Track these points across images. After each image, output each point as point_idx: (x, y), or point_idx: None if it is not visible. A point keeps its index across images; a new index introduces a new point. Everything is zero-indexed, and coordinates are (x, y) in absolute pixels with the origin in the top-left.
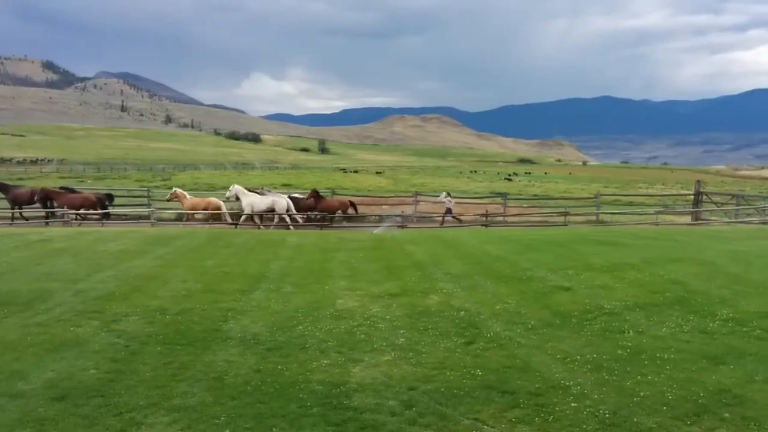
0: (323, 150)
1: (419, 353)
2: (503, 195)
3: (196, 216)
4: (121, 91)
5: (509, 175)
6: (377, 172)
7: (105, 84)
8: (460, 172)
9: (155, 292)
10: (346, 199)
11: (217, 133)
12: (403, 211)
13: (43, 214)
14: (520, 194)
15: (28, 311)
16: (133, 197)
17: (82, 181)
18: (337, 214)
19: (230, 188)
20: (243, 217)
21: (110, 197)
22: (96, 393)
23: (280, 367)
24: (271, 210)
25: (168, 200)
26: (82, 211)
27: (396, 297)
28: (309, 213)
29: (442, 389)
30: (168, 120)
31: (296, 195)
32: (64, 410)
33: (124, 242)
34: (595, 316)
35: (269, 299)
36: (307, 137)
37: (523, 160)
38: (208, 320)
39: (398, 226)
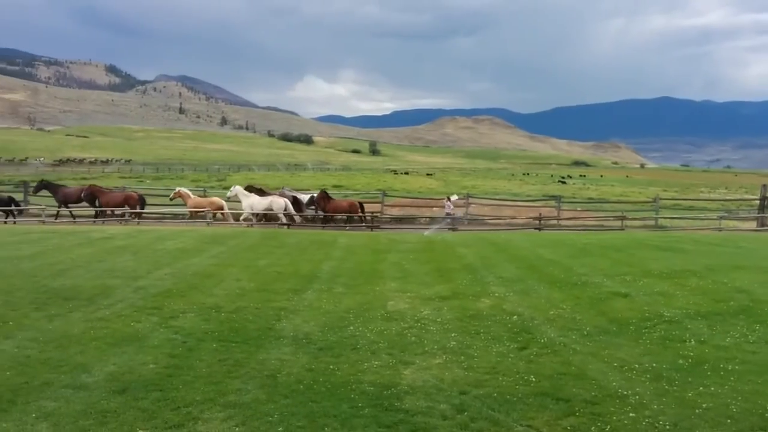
0: (374, 151)
1: (471, 357)
2: (557, 198)
3: (200, 215)
4: (180, 93)
5: (563, 177)
6: (428, 174)
7: (164, 87)
8: (512, 174)
9: (211, 290)
10: (355, 200)
11: (270, 134)
12: (454, 213)
13: (91, 212)
14: (575, 197)
15: (91, 306)
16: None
17: (141, 181)
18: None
19: (231, 188)
20: (243, 216)
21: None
22: (155, 387)
23: (331, 366)
24: (270, 210)
25: (171, 199)
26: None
27: (447, 300)
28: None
29: (495, 394)
30: (223, 122)
31: (300, 195)
32: (125, 403)
33: (182, 241)
34: (654, 324)
35: (321, 299)
36: (358, 139)
37: (577, 163)
38: (262, 319)
39: (449, 229)
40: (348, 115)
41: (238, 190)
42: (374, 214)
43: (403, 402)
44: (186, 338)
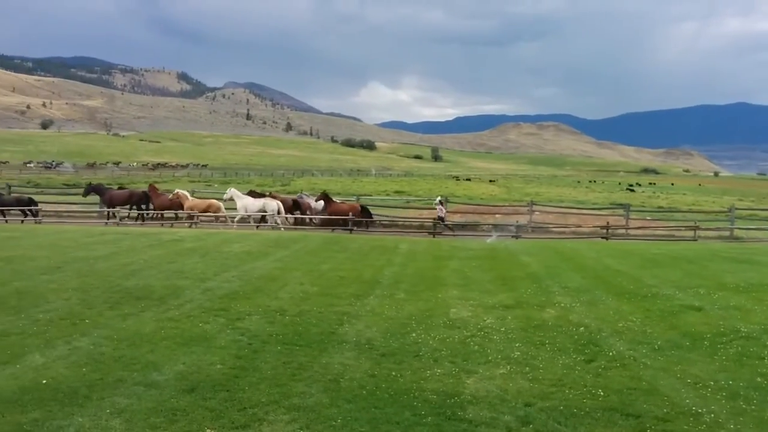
0: (436, 157)
1: (536, 368)
2: (625, 206)
3: (200, 217)
4: (247, 100)
5: (631, 185)
6: (490, 181)
7: (232, 94)
8: (578, 182)
9: (275, 293)
10: (357, 204)
11: (333, 140)
12: (517, 221)
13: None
14: (644, 206)
15: (162, 306)
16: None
17: (210, 185)
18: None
19: (227, 191)
20: (237, 218)
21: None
22: (222, 387)
23: (394, 373)
24: (263, 211)
25: (170, 200)
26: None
27: (510, 309)
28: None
29: (561, 407)
30: (288, 128)
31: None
32: (194, 402)
33: (248, 244)
34: (730, 339)
35: (383, 305)
36: (420, 145)
37: (646, 170)
38: (325, 323)
39: (512, 236)
40: (410, 121)
41: (233, 192)
42: (436, 221)
43: (466, 412)
44: (251, 340)
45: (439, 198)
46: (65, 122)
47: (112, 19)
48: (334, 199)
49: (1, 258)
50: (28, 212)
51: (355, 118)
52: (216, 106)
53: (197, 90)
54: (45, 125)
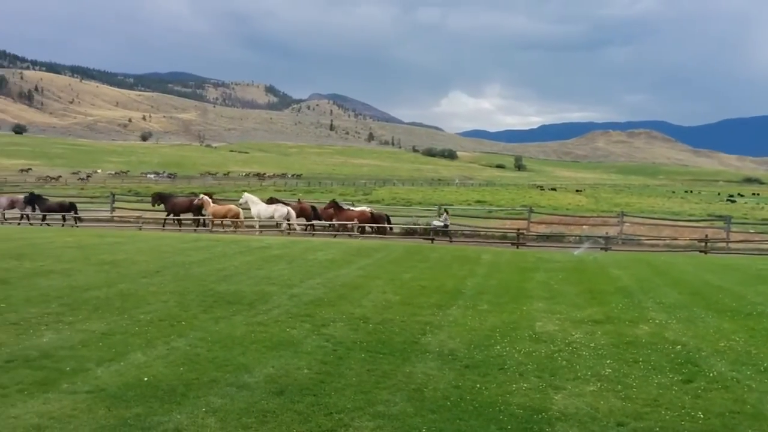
0: (519, 167)
1: (628, 387)
2: (725, 218)
3: (224, 222)
4: (331, 111)
5: (732, 195)
6: (577, 190)
7: (317, 105)
8: (672, 192)
9: (359, 301)
10: (367, 211)
11: (414, 150)
12: (606, 233)
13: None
14: (746, 218)
15: (252, 311)
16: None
17: (294, 194)
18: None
19: (242, 195)
20: (250, 222)
21: None
22: (309, 392)
23: (478, 385)
24: (272, 218)
25: (196, 203)
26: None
27: (600, 324)
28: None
29: (656, 429)
30: (370, 138)
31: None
32: (282, 405)
33: (331, 252)
34: None
35: (465, 316)
36: (503, 153)
37: (749, 180)
38: (407, 332)
39: (601, 248)
40: (493, 129)
41: (248, 197)
42: (520, 231)
43: (554, 428)
44: (336, 346)
45: (444, 208)
46: (162, 134)
47: (205, 37)
48: (343, 207)
49: (108, 262)
50: (69, 217)
51: (436, 128)
52: (301, 118)
53: (283, 102)
54: (144, 137)
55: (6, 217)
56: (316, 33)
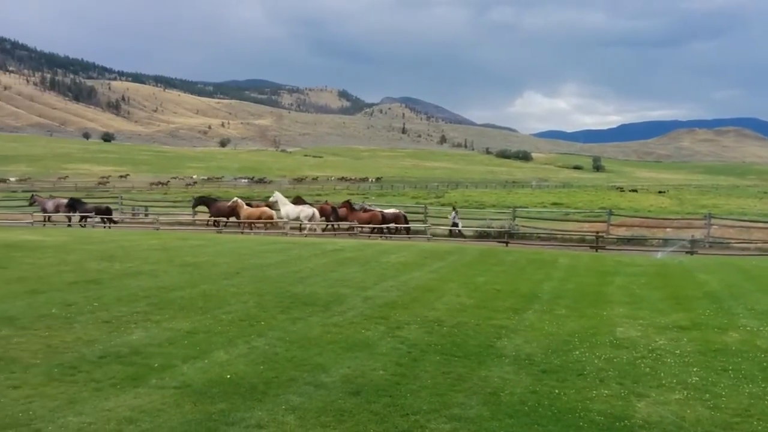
0: (597, 167)
1: (717, 396)
2: None
3: (256, 224)
4: (402, 114)
5: None
6: (659, 192)
7: (389, 109)
8: (765, 192)
9: (432, 303)
10: (378, 212)
11: (488, 152)
12: (692, 235)
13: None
14: None
15: (327, 312)
16: (410, 213)
17: (366, 197)
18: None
19: (273, 194)
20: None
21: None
22: (385, 392)
23: (556, 391)
24: (298, 218)
25: (229, 207)
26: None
27: (686, 330)
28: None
29: None
30: (443, 140)
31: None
32: (359, 405)
33: (404, 255)
34: None
35: (542, 320)
36: (580, 154)
37: None
38: (482, 336)
39: (686, 252)
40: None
41: (278, 197)
42: (599, 234)
43: None
44: (411, 349)
45: (453, 207)
46: (240, 140)
47: (281, 44)
48: (355, 208)
49: (191, 263)
50: (105, 219)
51: (510, 129)
52: (373, 121)
53: (356, 106)
54: (223, 143)
55: (51, 219)
56: (388, 37)
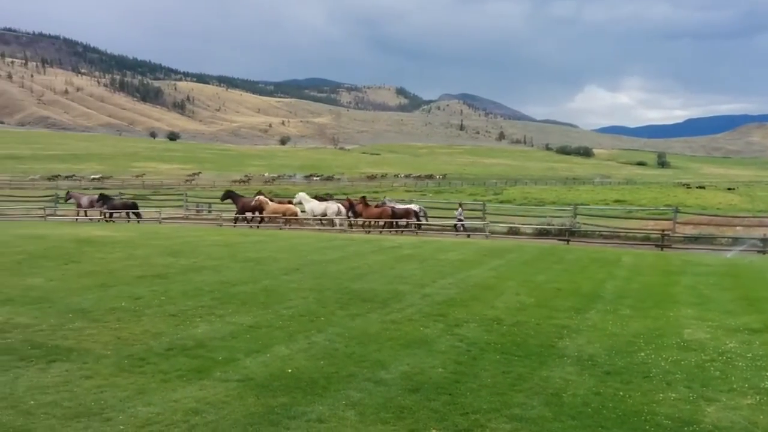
0: (662, 163)
1: None
2: None
3: (278, 219)
4: (460, 111)
5: None
6: (728, 189)
7: (447, 105)
8: None
9: (491, 302)
10: (388, 208)
11: (547, 148)
12: (765, 234)
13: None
14: None
15: (385, 309)
16: (468, 211)
17: (423, 195)
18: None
19: (297, 195)
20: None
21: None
22: (444, 390)
23: (621, 393)
24: (324, 214)
25: (253, 205)
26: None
27: (758, 333)
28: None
29: None
30: (501, 136)
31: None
32: (418, 402)
33: (462, 252)
34: None
35: (605, 320)
36: (644, 150)
37: None
38: (543, 335)
39: (757, 251)
40: (632, 125)
41: (302, 196)
42: (664, 232)
43: None
44: (470, 347)
45: (459, 203)
46: (299, 138)
47: (339, 42)
48: (369, 204)
49: (253, 259)
50: (133, 214)
51: (570, 125)
52: (431, 118)
53: (414, 103)
54: (283, 141)
55: (87, 213)
56: (446, 34)
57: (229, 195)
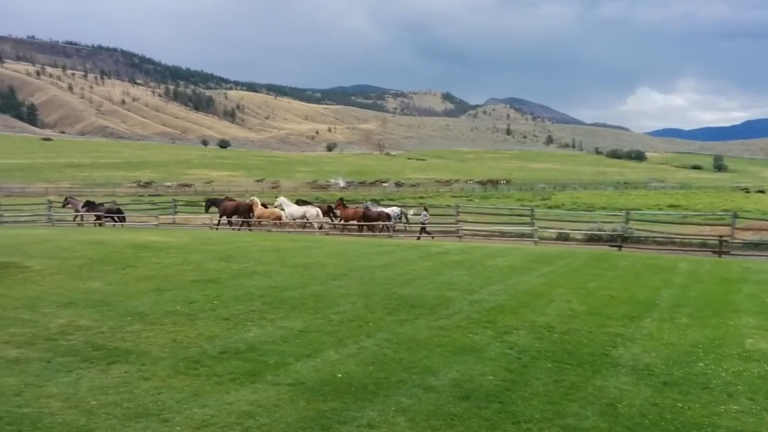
0: (719, 167)
1: None
2: None
3: (262, 222)
4: (507, 115)
5: None
6: None
7: (493, 110)
8: None
9: (542, 309)
10: (360, 209)
11: (597, 152)
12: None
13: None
14: None
15: (434, 315)
16: (516, 216)
17: (470, 200)
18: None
19: (278, 199)
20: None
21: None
22: (495, 399)
23: (679, 404)
24: (304, 217)
25: (247, 203)
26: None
27: None
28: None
29: None
30: (549, 141)
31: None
32: (468, 410)
33: (511, 258)
34: None
35: (661, 329)
36: (700, 153)
37: None
38: (596, 343)
39: None
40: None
41: (282, 200)
42: (723, 238)
43: None
44: (520, 354)
45: (424, 208)
46: (345, 144)
47: (385, 49)
48: (347, 207)
49: (301, 264)
50: (117, 219)
51: (621, 128)
52: (477, 123)
53: (460, 108)
54: (330, 148)
55: (84, 218)
56: (492, 37)
57: (211, 203)
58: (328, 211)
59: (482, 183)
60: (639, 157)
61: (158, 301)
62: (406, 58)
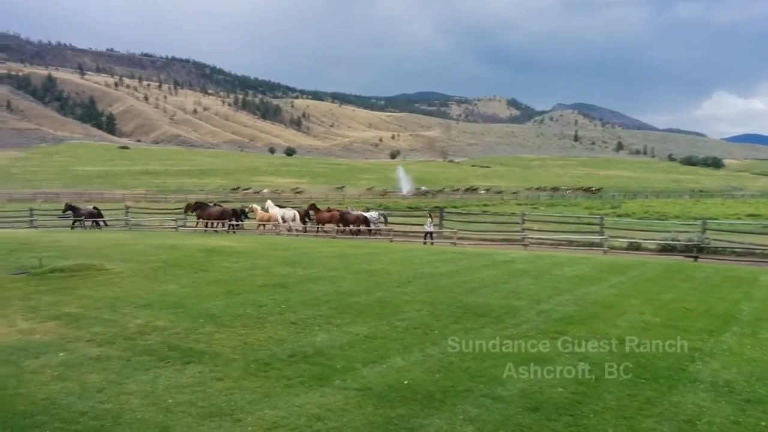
0: None
1: None
2: None
3: (266, 226)
4: (575, 121)
5: None
6: None
7: (560, 116)
8: None
9: (613, 320)
10: (336, 212)
11: (671, 158)
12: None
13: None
14: None
15: (500, 324)
16: (584, 224)
17: (535, 208)
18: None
19: (266, 203)
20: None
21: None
22: (565, 411)
23: (763, 423)
24: (284, 219)
25: (248, 210)
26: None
27: None
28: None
29: None
30: (619, 147)
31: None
32: (538, 422)
33: (579, 268)
34: None
35: (743, 344)
36: None
37: None
38: (672, 357)
39: None
40: None
41: (268, 204)
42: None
43: None
44: (591, 367)
45: (428, 215)
46: (409, 152)
47: (449, 56)
48: (320, 210)
49: (366, 271)
50: (99, 222)
51: (697, 134)
52: (543, 129)
53: (525, 115)
54: (393, 155)
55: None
56: (559, 42)
57: (196, 206)
58: (304, 215)
59: (573, 190)
60: (716, 164)
61: (229, 304)
62: (471, 65)
